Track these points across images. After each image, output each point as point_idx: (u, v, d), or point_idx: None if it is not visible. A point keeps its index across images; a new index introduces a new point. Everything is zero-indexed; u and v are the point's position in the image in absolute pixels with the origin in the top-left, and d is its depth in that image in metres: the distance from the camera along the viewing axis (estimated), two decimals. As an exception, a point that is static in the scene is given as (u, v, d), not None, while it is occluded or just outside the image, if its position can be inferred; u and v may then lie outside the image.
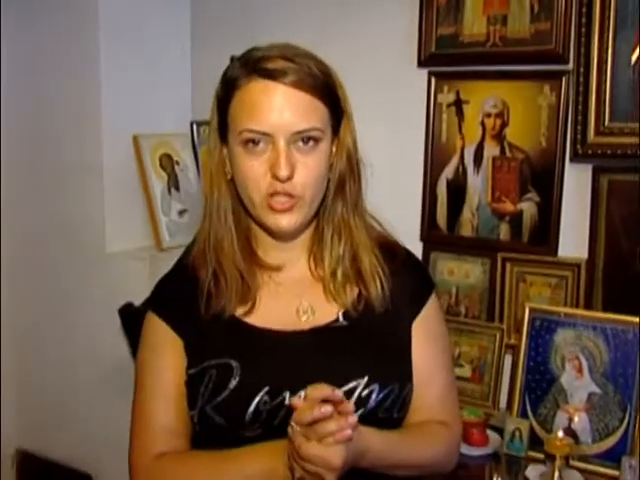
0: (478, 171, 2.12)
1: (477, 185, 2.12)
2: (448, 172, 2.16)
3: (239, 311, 1.27)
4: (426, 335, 1.31)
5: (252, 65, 1.20)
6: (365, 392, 1.21)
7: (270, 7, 2.41)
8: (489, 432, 1.93)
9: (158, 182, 2.34)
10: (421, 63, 2.16)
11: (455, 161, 2.15)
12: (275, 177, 1.17)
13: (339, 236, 1.28)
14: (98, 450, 2.42)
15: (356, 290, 1.28)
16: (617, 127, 1.90)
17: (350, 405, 1.12)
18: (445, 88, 2.14)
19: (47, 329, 2.51)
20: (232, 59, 1.26)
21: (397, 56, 2.19)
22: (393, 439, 1.22)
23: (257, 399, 1.19)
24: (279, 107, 1.17)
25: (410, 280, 1.33)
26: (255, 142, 1.19)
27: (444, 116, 2.15)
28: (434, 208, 2.19)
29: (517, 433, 1.87)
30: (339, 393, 1.10)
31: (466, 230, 2.15)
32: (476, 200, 2.13)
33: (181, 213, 2.40)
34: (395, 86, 2.21)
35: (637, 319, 1.82)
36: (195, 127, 2.44)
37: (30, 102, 2.44)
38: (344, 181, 1.27)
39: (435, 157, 2.18)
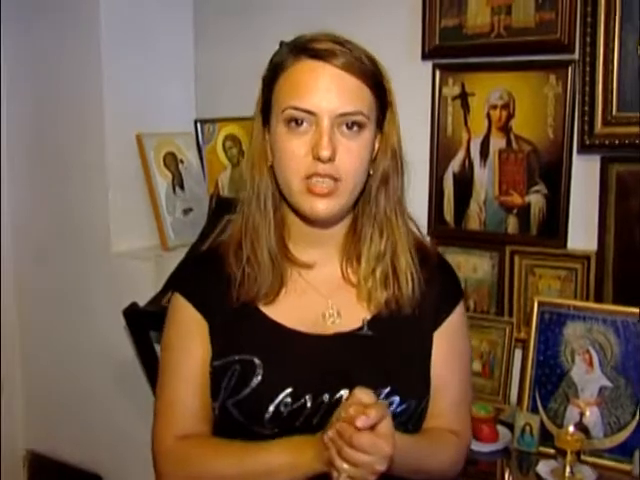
0: (485, 164, 2.10)
1: (484, 178, 2.10)
2: (454, 165, 2.14)
3: (266, 305, 1.26)
4: (447, 344, 1.29)
5: (301, 46, 1.19)
6: (386, 402, 1.18)
7: (272, 4, 2.39)
8: (499, 427, 1.92)
9: (162, 181, 2.33)
10: (425, 56, 2.14)
11: (461, 154, 2.13)
12: (317, 157, 1.15)
13: (380, 232, 1.26)
14: (106, 450, 2.42)
15: (391, 291, 1.26)
16: (624, 117, 1.88)
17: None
18: (450, 81, 2.12)
19: (53, 330, 2.51)
20: (281, 44, 1.24)
21: (401, 49, 2.17)
22: (412, 442, 1.20)
23: (278, 400, 1.18)
24: (326, 87, 1.16)
25: (439, 287, 1.30)
26: (298, 122, 1.16)
27: (449, 109, 2.13)
28: (441, 202, 2.17)
29: (527, 428, 1.86)
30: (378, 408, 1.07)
31: (474, 224, 2.13)
32: (483, 193, 2.11)
33: (186, 212, 2.38)
34: (399, 79, 2.13)
35: (648, 311, 1.80)
36: (199, 125, 2.43)
37: (32, 101, 2.44)
38: (388, 177, 1.25)
39: (441, 151, 2.16)
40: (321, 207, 1.18)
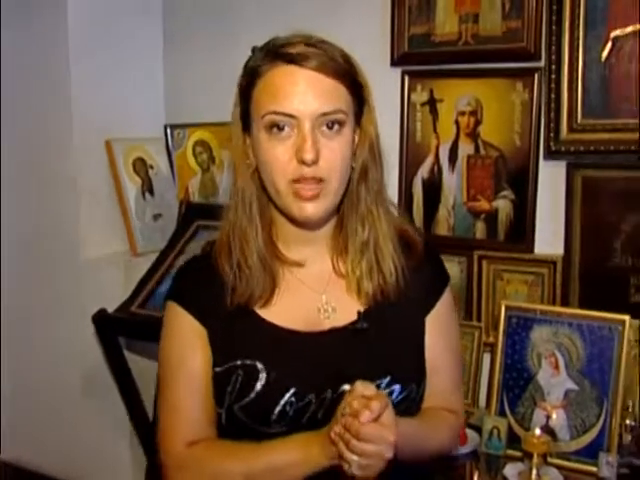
0: (453, 170, 2.11)
1: (452, 184, 2.12)
2: (423, 171, 2.16)
3: (261, 306, 1.28)
4: (439, 328, 1.33)
5: (274, 51, 1.21)
6: (386, 391, 1.22)
7: (243, 9, 2.40)
8: (468, 431, 1.92)
9: (132, 187, 2.32)
10: (394, 62, 2.15)
11: (430, 160, 2.15)
12: (301, 161, 1.17)
13: (362, 224, 1.28)
14: (75, 456, 2.40)
15: (375, 282, 1.28)
16: (589, 123, 1.91)
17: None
18: (419, 87, 2.14)
19: (22, 336, 2.48)
20: (253, 50, 1.26)
21: (370, 56, 2.13)
22: (414, 426, 1.24)
23: (283, 401, 1.21)
24: (303, 90, 1.18)
25: (427, 274, 1.34)
26: (280, 127, 1.19)
27: (418, 115, 2.15)
28: (410, 207, 2.18)
29: (495, 432, 1.87)
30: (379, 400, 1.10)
31: (442, 229, 2.15)
32: (452, 199, 2.13)
33: (155, 217, 2.38)
34: (369, 86, 2.20)
35: (613, 315, 1.83)
36: (169, 131, 2.42)
37: (1, 111, 2.41)
38: (367, 169, 1.28)
39: (410, 156, 2.17)
40: (310, 210, 1.20)
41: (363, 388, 1.12)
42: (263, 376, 1.22)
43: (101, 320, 2.06)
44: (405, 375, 1.25)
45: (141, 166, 2.36)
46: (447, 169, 2.12)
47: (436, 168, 2.14)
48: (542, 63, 1.95)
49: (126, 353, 2.18)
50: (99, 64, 2.31)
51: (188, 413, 1.27)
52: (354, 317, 1.28)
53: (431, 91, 2.12)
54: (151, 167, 2.39)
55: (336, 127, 1.20)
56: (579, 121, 1.92)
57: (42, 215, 2.37)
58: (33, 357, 2.47)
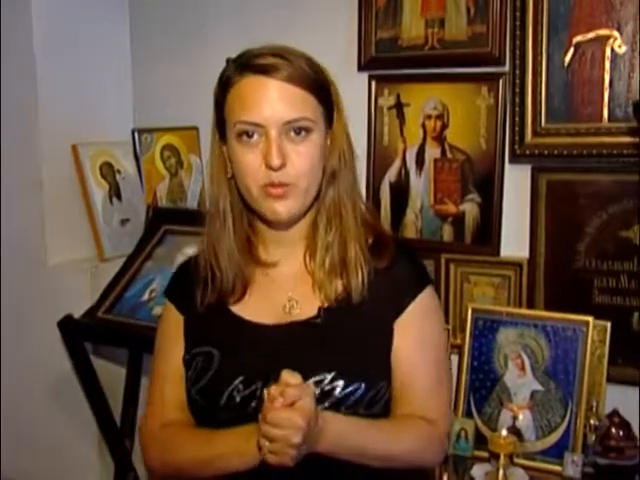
0: (420, 173, 2.13)
1: (419, 187, 2.13)
2: (391, 175, 2.17)
3: (233, 303, 1.36)
4: (412, 330, 1.32)
5: (245, 63, 1.27)
6: (329, 387, 1.25)
7: (210, 13, 2.39)
8: (436, 433, 1.94)
9: (99, 191, 2.30)
10: (361, 67, 2.17)
11: (397, 164, 2.16)
12: (268, 166, 1.23)
13: (330, 224, 1.33)
14: (42, 463, 2.37)
15: (340, 281, 1.32)
16: (553, 128, 1.94)
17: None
18: (385, 91, 2.15)
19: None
20: (227, 61, 1.31)
21: (337, 61, 2.14)
22: (355, 424, 1.25)
23: (231, 387, 1.28)
24: (271, 100, 1.24)
25: (397, 276, 1.34)
26: (249, 135, 1.25)
27: (385, 119, 2.16)
28: (378, 211, 2.18)
29: (463, 433, 1.89)
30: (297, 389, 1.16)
31: (410, 232, 2.16)
32: (419, 202, 2.14)
33: (123, 222, 2.36)
34: (336, 90, 2.21)
35: (577, 316, 1.86)
36: (137, 135, 2.40)
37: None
38: (335, 172, 1.32)
39: (377, 160, 2.18)
40: (280, 209, 1.26)
41: (288, 376, 1.18)
42: (217, 362, 1.32)
43: (67, 326, 2.04)
44: (352, 373, 1.27)
45: (108, 170, 2.34)
46: (414, 172, 2.14)
47: (403, 172, 2.15)
48: (507, 68, 1.98)
49: (93, 358, 2.16)
50: (66, 67, 2.29)
51: (164, 397, 1.38)
52: (314, 314, 1.32)
53: (398, 95, 2.13)
54: (118, 172, 2.37)
55: (303, 133, 1.26)
56: (543, 125, 1.95)
57: (7, 220, 2.34)
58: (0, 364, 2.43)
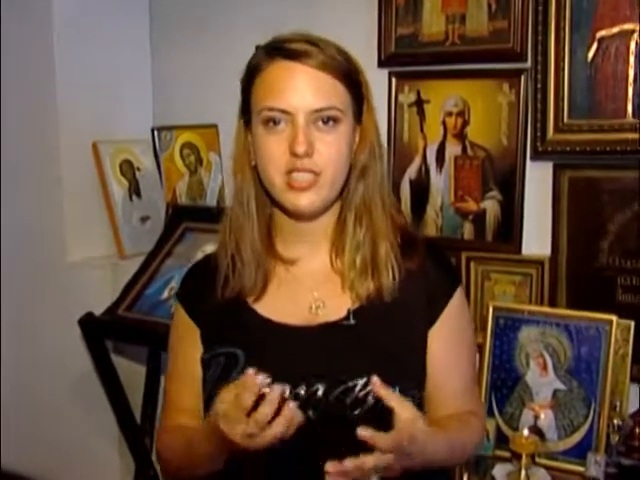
0: (441, 170, 2.11)
1: (440, 185, 2.12)
2: (411, 172, 2.15)
3: (254, 300, 1.30)
4: (448, 334, 1.31)
5: (274, 47, 1.23)
6: (362, 393, 1.21)
7: (229, 11, 2.39)
8: (457, 432, 1.93)
9: (119, 189, 2.31)
10: (381, 63, 2.15)
11: (418, 161, 2.14)
12: (293, 154, 1.19)
13: (360, 222, 1.28)
14: (63, 461, 2.38)
15: (370, 281, 1.28)
16: (576, 124, 1.91)
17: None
18: (406, 88, 2.14)
19: (8, 340, 2.46)
20: (257, 47, 1.28)
21: (357, 56, 2.16)
22: (439, 434, 1.22)
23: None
24: (300, 87, 1.20)
25: (429, 279, 1.31)
26: (275, 122, 1.21)
27: (405, 116, 2.15)
28: (398, 208, 2.18)
29: (484, 432, 1.87)
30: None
31: (430, 230, 2.15)
32: (439, 200, 2.12)
33: (143, 220, 2.37)
34: (356, 87, 2.20)
35: (600, 315, 1.83)
36: (156, 133, 2.41)
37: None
38: (366, 168, 1.28)
39: (397, 157, 2.17)
40: (303, 201, 1.22)
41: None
42: (241, 364, 1.25)
43: (88, 323, 2.04)
44: (384, 377, 1.20)
45: (128, 168, 2.35)
46: (434, 170, 2.12)
47: (423, 169, 2.14)
48: (528, 64, 1.96)
49: (113, 356, 2.17)
50: (85, 65, 2.30)
51: (177, 403, 1.35)
52: (344, 314, 1.27)
53: (418, 92, 2.12)
54: (138, 169, 2.38)
55: (331, 123, 1.22)
56: (565, 121, 1.92)
57: (28, 218, 2.35)
58: (19, 361, 2.45)
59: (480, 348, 2.01)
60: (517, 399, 1.89)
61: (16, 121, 2.34)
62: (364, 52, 2.14)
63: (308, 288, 1.30)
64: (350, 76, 1.25)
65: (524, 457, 1.72)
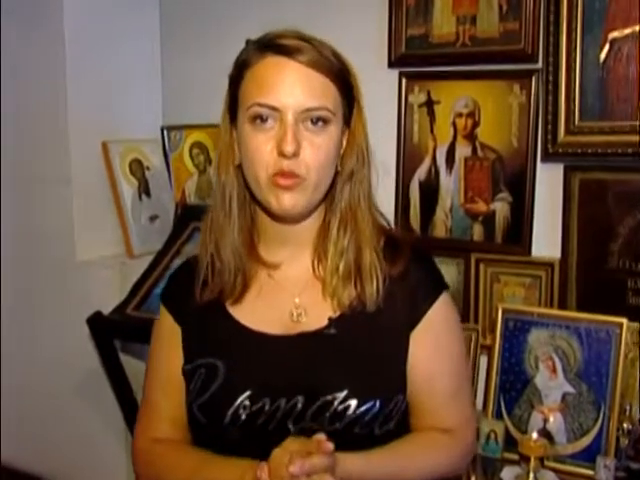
0: (450, 172, 2.11)
1: (450, 186, 2.11)
2: (420, 173, 2.15)
3: (233, 305, 1.27)
4: (429, 340, 1.26)
5: (266, 42, 1.19)
6: (341, 407, 1.18)
7: (240, 11, 2.39)
8: (465, 434, 1.92)
9: (128, 188, 2.31)
10: (391, 64, 2.15)
11: (427, 162, 2.14)
12: (281, 153, 1.15)
13: (344, 227, 1.25)
14: (71, 459, 2.39)
15: (353, 288, 1.24)
16: (587, 126, 1.90)
17: (330, 445, 1.11)
18: (416, 89, 2.13)
19: (18, 339, 2.47)
20: (247, 42, 1.26)
21: (367, 57, 2.16)
22: (376, 458, 1.19)
23: (237, 403, 1.20)
24: (290, 83, 1.16)
25: (413, 284, 1.27)
26: (263, 119, 1.17)
27: (415, 117, 2.14)
28: (407, 209, 2.17)
29: (492, 435, 1.87)
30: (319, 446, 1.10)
31: (439, 231, 2.14)
32: (449, 201, 2.12)
33: (152, 219, 2.36)
34: (366, 87, 2.16)
35: (610, 318, 1.82)
36: (166, 132, 2.41)
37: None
38: (353, 172, 1.25)
39: (407, 158, 2.16)
40: (287, 201, 1.18)
41: (291, 444, 1.12)
42: (221, 376, 1.23)
43: (96, 322, 2.05)
44: (366, 389, 1.20)
45: (137, 168, 2.35)
46: (444, 171, 2.12)
47: (433, 170, 2.13)
48: (539, 65, 1.95)
49: (121, 355, 2.17)
50: (96, 66, 2.30)
51: (159, 412, 1.31)
52: (326, 323, 1.24)
53: (428, 93, 2.11)
54: (147, 168, 2.38)
55: (320, 124, 1.18)
56: (576, 123, 1.91)
57: (37, 216, 2.36)
58: (27, 359, 2.45)
59: (489, 350, 2.01)
60: (526, 402, 1.89)
61: (27, 120, 2.34)
62: (374, 53, 2.16)
63: (289, 294, 1.27)
64: (342, 77, 1.22)
65: (533, 460, 1.71)
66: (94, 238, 2.30)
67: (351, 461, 1.15)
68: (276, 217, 1.24)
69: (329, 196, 1.26)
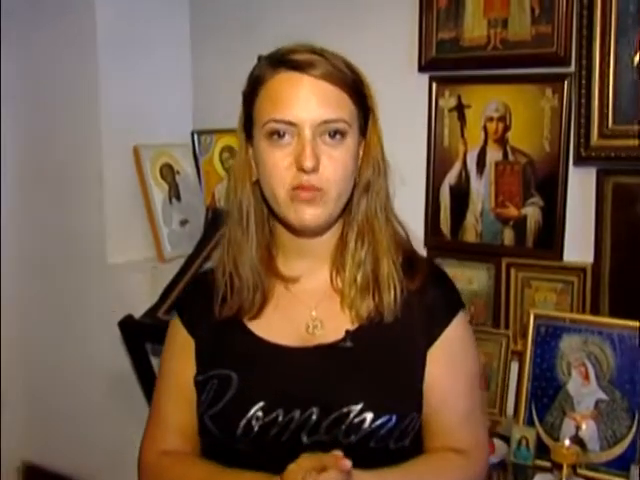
0: (481, 176, 2.09)
1: (480, 190, 2.10)
2: (451, 177, 2.14)
3: (251, 320, 1.26)
4: (445, 358, 1.26)
5: (279, 58, 1.19)
6: (357, 419, 1.17)
7: (270, 14, 2.40)
8: (496, 440, 1.90)
9: (159, 192, 2.33)
10: (422, 68, 2.14)
11: (458, 166, 2.13)
12: (300, 168, 1.15)
13: (362, 239, 1.25)
14: (103, 462, 2.41)
15: (371, 301, 1.24)
16: (620, 130, 1.87)
17: (347, 463, 1.09)
18: (446, 93, 2.12)
19: (49, 341, 2.50)
20: (259, 58, 1.25)
21: (398, 61, 2.17)
22: (391, 478, 1.18)
23: (250, 414, 1.19)
24: (305, 97, 1.16)
25: (431, 300, 1.27)
26: (280, 134, 1.16)
27: (446, 121, 2.13)
28: (437, 214, 2.16)
29: (524, 441, 1.85)
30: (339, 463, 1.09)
31: (470, 236, 2.13)
32: (479, 205, 2.10)
33: (182, 223, 2.38)
34: (396, 92, 2.18)
35: (644, 324, 1.80)
36: (196, 137, 2.43)
37: (29, 114, 2.44)
38: (370, 184, 1.25)
39: (438, 163, 2.15)
40: (307, 215, 1.18)
41: (304, 460, 1.10)
42: (235, 386, 1.21)
43: (128, 326, 2.06)
44: (382, 403, 1.19)
45: (168, 172, 2.37)
46: (475, 175, 2.10)
47: (464, 174, 2.12)
48: (572, 68, 1.93)
49: (152, 359, 2.18)
50: (128, 71, 2.33)
51: (168, 424, 1.29)
52: (342, 335, 1.23)
53: (459, 97, 2.10)
54: (178, 173, 2.40)
55: (338, 137, 1.18)
56: (610, 127, 1.89)
57: (69, 220, 2.39)
58: (59, 362, 2.48)
59: (520, 356, 2.00)
60: (558, 408, 1.87)
61: (60, 125, 2.37)
62: (405, 56, 2.15)
63: (306, 306, 1.26)
64: (356, 88, 1.21)
65: (565, 467, 1.69)
66: (125, 242, 2.33)
67: (366, 478, 1.14)
68: (295, 231, 1.24)
69: (346, 208, 1.25)
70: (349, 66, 1.22)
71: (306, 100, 1.16)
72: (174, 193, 2.37)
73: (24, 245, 2.52)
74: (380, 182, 1.26)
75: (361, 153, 1.25)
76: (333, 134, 1.17)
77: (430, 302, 1.26)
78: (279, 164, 1.17)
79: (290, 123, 1.16)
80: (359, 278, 1.24)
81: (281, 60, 1.19)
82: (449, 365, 1.26)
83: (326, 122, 1.16)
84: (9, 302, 2.54)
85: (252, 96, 1.21)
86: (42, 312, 2.52)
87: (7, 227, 2.52)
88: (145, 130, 2.38)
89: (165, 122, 2.47)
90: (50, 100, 2.39)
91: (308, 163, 1.14)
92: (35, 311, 2.54)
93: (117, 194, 2.32)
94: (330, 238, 1.27)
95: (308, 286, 1.28)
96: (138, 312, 2.09)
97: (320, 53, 1.18)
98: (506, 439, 1.90)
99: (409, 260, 1.29)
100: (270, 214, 1.26)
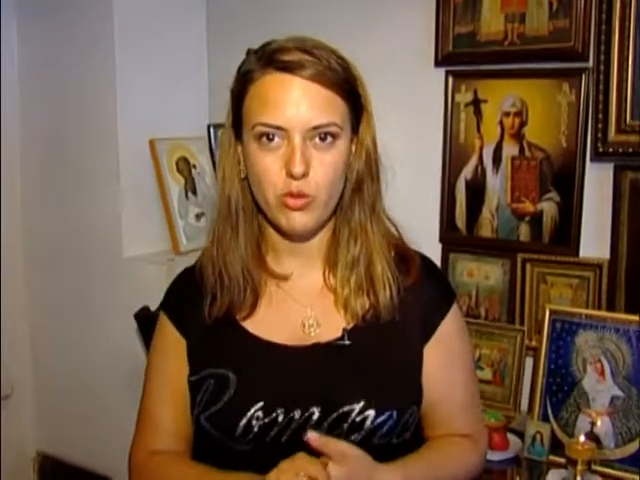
0: (497, 171, 2.09)
1: (496, 185, 2.09)
2: (467, 172, 2.13)
3: (244, 318, 1.25)
4: (444, 350, 1.27)
5: (268, 57, 1.15)
6: (359, 418, 1.17)
7: (288, 7, 2.39)
8: (510, 436, 1.90)
9: (175, 186, 2.34)
10: (438, 62, 2.13)
11: (474, 161, 2.12)
12: (289, 174, 1.13)
13: (355, 239, 1.24)
14: (116, 452, 2.41)
15: (367, 300, 1.24)
16: (638, 125, 1.86)
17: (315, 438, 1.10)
18: (463, 87, 2.12)
19: (65, 333, 2.52)
20: (248, 52, 1.22)
21: (414, 56, 2.17)
22: (413, 468, 1.19)
23: (249, 414, 1.17)
24: (295, 101, 1.12)
25: (425, 295, 1.27)
26: (269, 137, 1.14)
27: (462, 115, 2.13)
28: (453, 209, 2.16)
29: (538, 437, 1.84)
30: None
31: (485, 231, 2.12)
32: (495, 200, 2.10)
33: (198, 217, 2.39)
34: (412, 86, 2.19)
35: (660, 320, 1.79)
36: (212, 130, 2.43)
37: (47, 107, 2.45)
38: (362, 181, 1.23)
39: (453, 157, 2.15)
40: (297, 222, 1.16)
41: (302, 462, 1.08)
42: (233, 386, 1.19)
43: (144, 318, 2.07)
44: (383, 399, 1.18)
45: (184, 165, 2.38)
46: (491, 170, 2.10)
47: (480, 169, 2.11)
48: (590, 63, 1.92)
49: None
50: (144, 65, 2.33)
51: (158, 423, 1.28)
52: (339, 334, 1.23)
53: (475, 91, 2.09)
54: (194, 166, 2.40)
55: (329, 139, 1.15)
56: (628, 122, 1.88)
57: (86, 214, 2.40)
58: (76, 354, 2.50)
59: (535, 352, 1.99)
60: (573, 404, 1.86)
61: (77, 120, 2.38)
62: (421, 51, 2.15)
63: (301, 305, 1.25)
64: (348, 86, 1.18)
65: (580, 463, 1.68)
66: (141, 235, 2.34)
67: (392, 475, 1.15)
68: (285, 234, 1.23)
69: (338, 207, 1.24)
70: (341, 64, 1.17)
71: (296, 104, 1.13)
72: (190, 187, 2.38)
73: (40, 238, 2.54)
74: (372, 179, 1.24)
75: (353, 149, 1.22)
76: (324, 136, 1.15)
77: (425, 296, 1.27)
78: (269, 168, 1.14)
79: (279, 127, 1.13)
80: (353, 278, 1.23)
81: (271, 59, 1.15)
82: (447, 357, 1.27)
83: (317, 127, 1.14)
84: (25, 294, 2.56)
85: (241, 94, 1.19)
86: (57, 304, 2.53)
87: (24, 220, 2.53)
88: (161, 124, 2.39)
89: (181, 115, 2.48)
90: (68, 95, 2.39)
91: (297, 169, 1.12)
92: (50, 303, 2.55)
93: (133, 187, 2.32)
94: (322, 238, 1.26)
95: (300, 284, 1.27)
96: (154, 304, 2.09)
97: (311, 51, 1.14)
98: (520, 434, 1.90)
99: (402, 256, 1.28)
100: (259, 211, 1.24)
